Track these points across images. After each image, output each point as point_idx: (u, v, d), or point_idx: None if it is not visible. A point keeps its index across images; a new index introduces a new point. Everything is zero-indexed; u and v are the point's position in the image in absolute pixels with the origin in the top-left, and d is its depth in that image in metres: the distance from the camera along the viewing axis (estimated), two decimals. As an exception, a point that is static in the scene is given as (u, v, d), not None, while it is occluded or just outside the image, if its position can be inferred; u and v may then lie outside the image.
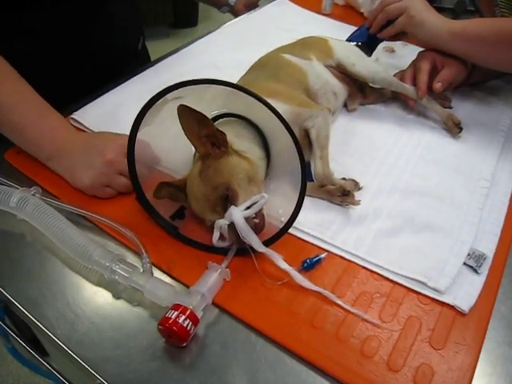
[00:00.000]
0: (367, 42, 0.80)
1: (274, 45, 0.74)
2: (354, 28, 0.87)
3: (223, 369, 0.41)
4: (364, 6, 1.08)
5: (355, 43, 0.79)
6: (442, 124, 0.69)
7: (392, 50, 0.90)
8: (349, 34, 0.83)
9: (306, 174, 0.49)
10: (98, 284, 0.48)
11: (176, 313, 0.40)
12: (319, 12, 1.08)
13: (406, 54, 0.86)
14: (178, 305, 0.41)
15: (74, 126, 0.66)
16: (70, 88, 0.70)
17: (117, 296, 0.47)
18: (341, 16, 1.07)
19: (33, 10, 0.69)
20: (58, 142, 0.59)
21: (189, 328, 0.40)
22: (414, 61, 0.73)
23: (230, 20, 1.05)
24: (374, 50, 0.81)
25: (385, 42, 0.83)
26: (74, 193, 0.57)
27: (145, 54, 0.99)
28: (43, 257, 0.52)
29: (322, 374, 0.40)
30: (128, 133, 0.49)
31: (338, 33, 0.83)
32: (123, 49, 0.88)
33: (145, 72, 0.80)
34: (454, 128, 0.67)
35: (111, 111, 0.70)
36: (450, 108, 0.74)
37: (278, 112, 0.45)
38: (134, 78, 0.79)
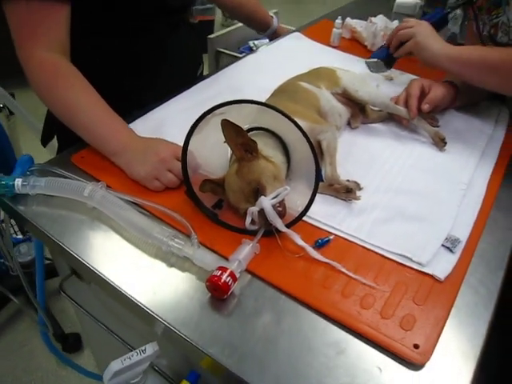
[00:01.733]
0: (386, 59, 0.96)
1: (290, 73, 0.90)
2: (359, 58, 1.03)
3: (255, 316, 0.54)
4: (367, 39, 1.24)
5: (376, 59, 0.96)
6: (430, 139, 0.84)
7: (391, 78, 1.05)
8: (353, 64, 0.98)
9: (319, 178, 0.64)
10: (155, 256, 0.62)
11: (220, 272, 0.54)
12: (328, 44, 1.24)
13: (402, 81, 1.01)
14: (222, 267, 0.55)
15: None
16: (129, 102, 0.85)
17: (170, 265, 0.61)
18: (347, 48, 1.23)
19: (118, 37, 0.87)
20: (122, 141, 0.75)
21: (230, 283, 0.54)
22: (406, 87, 0.88)
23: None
24: (392, 64, 0.98)
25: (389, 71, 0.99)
26: (128, 188, 0.71)
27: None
28: (110, 236, 0.65)
29: (329, 320, 0.53)
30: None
31: (344, 63, 0.99)
32: (186, 74, 1.05)
33: (182, 93, 0.96)
34: (439, 142, 0.81)
35: (156, 124, 0.85)
36: (438, 127, 0.88)
37: (300, 126, 0.60)
38: (176, 97, 0.95)
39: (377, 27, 1.19)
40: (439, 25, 0.92)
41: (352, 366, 0.49)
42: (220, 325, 0.53)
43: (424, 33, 0.87)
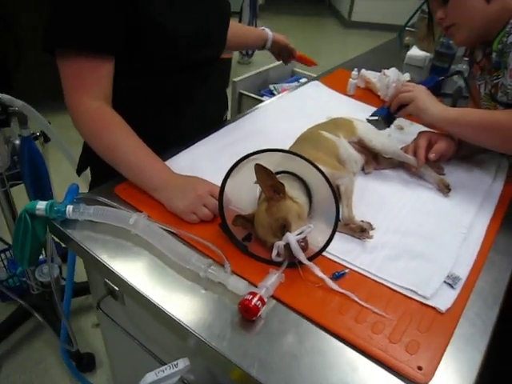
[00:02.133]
0: (386, 117, 1.05)
1: (311, 119, 1.01)
2: (372, 107, 1.13)
3: (280, 336, 0.62)
4: (381, 90, 1.36)
5: (377, 117, 1.05)
6: (436, 186, 0.93)
7: (401, 128, 1.15)
8: (367, 112, 1.09)
9: (338, 220, 0.74)
10: (193, 280, 0.70)
11: (251, 296, 0.62)
12: (344, 93, 1.36)
13: (412, 131, 1.11)
14: (253, 292, 0.63)
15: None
16: (158, 143, 0.94)
17: (205, 289, 0.69)
18: (361, 97, 1.35)
19: (159, 76, 0.99)
20: (163, 179, 0.86)
21: (259, 306, 0.62)
22: (415, 139, 0.98)
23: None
24: (392, 123, 1.07)
25: (398, 119, 1.09)
26: (166, 219, 0.80)
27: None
28: (151, 261, 0.74)
29: (344, 342, 0.61)
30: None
31: (358, 110, 1.10)
32: (214, 118, 1.17)
33: (211, 135, 1.07)
34: (444, 189, 0.91)
35: (188, 165, 0.95)
36: (443, 175, 0.98)
37: (323, 172, 0.70)
38: (204, 139, 1.05)
39: (389, 79, 1.31)
40: (434, 90, 1.03)
41: (364, 383, 0.57)
42: (249, 342, 0.61)
43: (423, 97, 0.97)
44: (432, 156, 0.94)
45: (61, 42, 0.88)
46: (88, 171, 1.17)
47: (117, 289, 0.81)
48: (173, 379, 0.71)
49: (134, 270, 0.73)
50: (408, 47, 1.74)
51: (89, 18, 0.87)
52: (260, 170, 0.71)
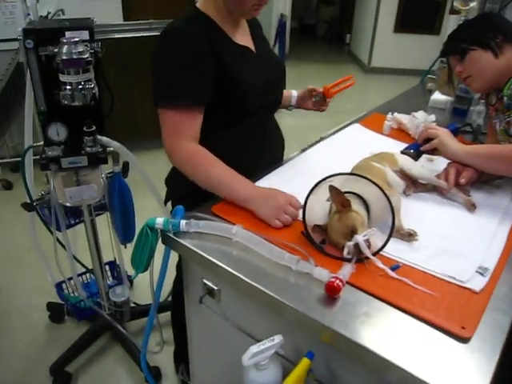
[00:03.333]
0: (416, 151, 1.30)
1: (356, 154, 1.26)
2: (404, 143, 1.39)
3: (355, 307, 0.85)
4: (411, 129, 1.61)
5: (410, 151, 1.30)
6: (464, 204, 1.16)
7: (431, 160, 1.40)
8: (400, 147, 1.34)
9: (394, 226, 0.97)
10: (284, 273, 0.94)
11: (334, 279, 0.85)
12: (381, 132, 1.62)
13: (440, 163, 1.35)
14: (335, 276, 0.87)
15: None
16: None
17: (294, 278, 0.93)
18: (395, 136, 1.60)
19: (230, 130, 1.29)
20: (250, 191, 1.13)
21: (340, 286, 0.85)
22: (445, 168, 1.22)
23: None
24: (420, 156, 1.31)
25: (426, 155, 1.34)
26: (255, 229, 1.05)
27: None
28: (247, 260, 0.98)
29: (403, 311, 0.83)
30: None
31: (393, 146, 1.35)
32: (277, 156, 1.45)
33: (279, 168, 1.33)
34: (471, 207, 1.14)
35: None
36: (469, 196, 1.21)
37: (382, 189, 0.94)
38: (273, 172, 1.32)
39: (418, 121, 1.57)
40: (452, 133, 1.28)
41: (421, 339, 0.79)
42: (334, 312, 0.84)
43: (446, 135, 1.23)
44: (463, 181, 1.17)
45: (169, 99, 1.17)
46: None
47: (216, 288, 1.05)
48: (270, 351, 0.93)
49: (235, 267, 0.96)
50: (430, 92, 2.01)
51: (189, 78, 1.17)
52: (333, 189, 0.95)
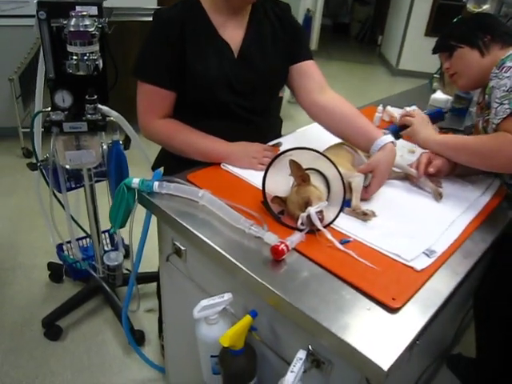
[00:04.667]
0: (394, 133, 1.33)
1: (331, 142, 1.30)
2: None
3: (298, 273, 0.89)
4: (402, 123, 1.64)
5: (388, 131, 1.32)
6: (432, 193, 1.19)
7: (413, 151, 1.42)
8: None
9: (345, 203, 1.01)
10: (240, 236, 0.99)
11: (279, 243, 0.90)
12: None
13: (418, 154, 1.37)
14: (281, 241, 0.92)
15: (224, 169, 1.25)
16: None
17: (248, 241, 0.98)
18: (384, 127, 1.63)
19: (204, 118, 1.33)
20: (228, 150, 1.25)
21: (285, 250, 0.90)
22: (418, 157, 1.25)
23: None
24: (398, 138, 1.33)
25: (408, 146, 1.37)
26: (223, 195, 1.10)
27: None
28: (211, 223, 1.04)
29: (341, 279, 0.88)
30: (251, 175, 1.05)
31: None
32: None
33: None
34: (437, 196, 1.17)
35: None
36: (441, 187, 1.23)
37: (339, 170, 0.99)
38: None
39: (409, 115, 1.59)
40: (435, 118, 1.30)
41: (353, 306, 0.83)
42: (277, 275, 0.89)
43: (419, 122, 1.25)
44: (431, 170, 1.20)
45: (140, 75, 1.26)
46: (161, 169, 1.52)
47: (183, 248, 1.12)
48: (219, 307, 0.99)
49: (199, 229, 1.02)
50: (435, 91, 2.01)
51: (153, 61, 1.25)
52: (293, 163, 1.00)
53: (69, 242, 2.08)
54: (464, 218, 1.11)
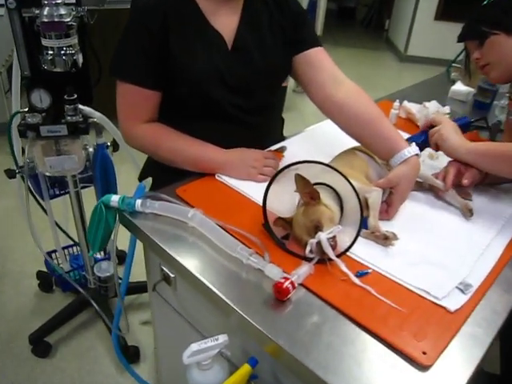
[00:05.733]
0: (420, 144, 1.13)
1: (342, 146, 1.12)
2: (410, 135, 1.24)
3: (306, 317, 0.73)
4: (420, 120, 1.46)
5: (411, 142, 1.14)
6: (460, 209, 1.02)
7: (436, 157, 1.24)
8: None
9: (363, 224, 0.85)
10: (237, 267, 0.83)
11: (284, 279, 0.74)
12: (386, 122, 1.47)
13: (444, 160, 1.20)
14: (285, 277, 0.76)
15: (219, 181, 1.08)
16: None
17: (247, 274, 0.82)
18: (401, 126, 1.45)
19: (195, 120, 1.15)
20: (223, 159, 1.08)
21: (290, 289, 0.74)
22: (445, 166, 1.08)
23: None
24: (423, 149, 1.15)
25: (429, 150, 1.19)
26: (217, 216, 0.94)
27: None
28: (202, 248, 0.88)
29: (361, 327, 0.72)
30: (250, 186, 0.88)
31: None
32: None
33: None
34: (467, 212, 0.99)
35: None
36: (471, 200, 1.06)
37: (353, 186, 0.82)
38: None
39: (429, 111, 1.41)
40: (462, 128, 1.11)
41: (373, 360, 0.67)
42: (280, 320, 0.73)
43: (448, 128, 1.07)
44: (465, 182, 1.02)
45: (117, 74, 1.09)
46: (149, 180, 1.35)
47: (172, 275, 0.96)
48: (213, 351, 0.84)
49: (188, 257, 0.87)
50: (454, 82, 1.83)
51: (132, 56, 1.06)
52: (299, 178, 0.83)
53: (55, 252, 1.94)
54: (500, 239, 0.94)
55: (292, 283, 0.75)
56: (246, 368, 0.79)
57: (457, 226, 0.97)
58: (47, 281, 2.14)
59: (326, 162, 1.04)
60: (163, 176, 1.10)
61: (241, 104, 1.14)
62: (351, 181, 0.87)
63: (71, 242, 2.08)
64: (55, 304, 2.04)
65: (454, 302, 0.76)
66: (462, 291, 0.79)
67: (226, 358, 0.88)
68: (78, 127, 1.40)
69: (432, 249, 0.89)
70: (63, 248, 2.08)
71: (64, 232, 1.99)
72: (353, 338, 0.71)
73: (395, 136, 1.02)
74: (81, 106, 1.41)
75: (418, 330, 0.71)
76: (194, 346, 0.82)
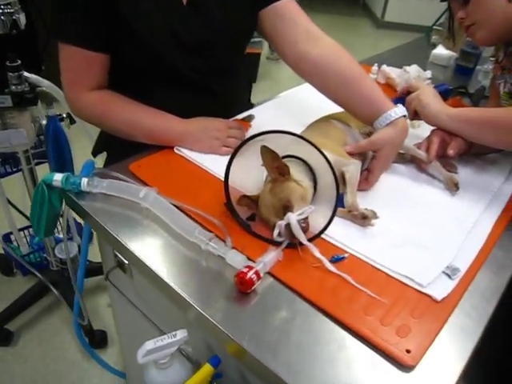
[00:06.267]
0: None
1: (327, 109, 1.01)
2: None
3: (273, 312, 0.64)
4: (400, 86, 1.35)
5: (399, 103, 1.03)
6: (445, 183, 0.92)
7: (418, 126, 1.14)
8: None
9: (339, 201, 0.75)
10: (195, 253, 0.73)
11: (247, 269, 0.64)
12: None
13: (424, 128, 1.10)
14: (249, 265, 0.65)
15: (178, 154, 0.96)
16: None
17: (206, 261, 0.72)
18: (381, 92, 1.34)
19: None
20: (182, 129, 0.96)
21: (254, 280, 0.64)
22: (428, 135, 0.98)
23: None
24: None
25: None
26: (175, 195, 0.83)
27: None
28: (157, 233, 0.77)
29: (336, 321, 0.62)
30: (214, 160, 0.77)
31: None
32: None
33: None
34: (452, 187, 0.90)
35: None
36: (456, 173, 0.97)
37: (327, 157, 0.71)
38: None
39: (409, 76, 1.30)
40: (442, 96, 1.00)
41: (350, 361, 0.58)
42: (243, 315, 0.63)
43: (428, 93, 0.97)
44: (451, 152, 0.92)
45: (59, 35, 0.93)
46: (105, 154, 1.22)
47: (126, 262, 0.85)
48: (171, 349, 0.74)
49: (141, 243, 0.76)
50: (435, 46, 1.72)
51: (80, 17, 0.91)
52: (266, 151, 0.72)
53: (20, 230, 1.80)
54: (488, 215, 0.85)
55: (257, 273, 0.65)
56: (207, 368, 0.70)
57: (442, 202, 0.88)
58: (7, 263, 2.00)
59: (298, 132, 0.93)
60: (119, 150, 0.97)
61: (200, 67, 1.00)
62: (326, 153, 0.76)
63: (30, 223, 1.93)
64: (17, 288, 1.92)
65: (441, 289, 0.68)
66: (448, 276, 0.70)
67: (186, 356, 0.79)
68: (24, 97, 1.26)
69: (415, 228, 0.79)
70: (23, 229, 1.95)
71: (20, 212, 1.84)
72: (327, 335, 0.61)
73: (380, 96, 0.90)
74: (26, 74, 1.26)
75: (401, 325, 0.62)
76: (149, 345, 0.72)
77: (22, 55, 1.22)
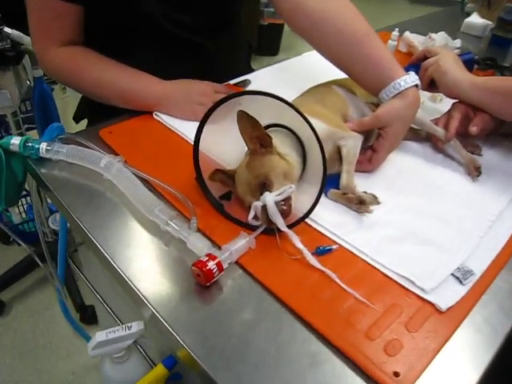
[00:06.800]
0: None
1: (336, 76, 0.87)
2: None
3: (235, 311, 0.52)
4: (424, 56, 1.19)
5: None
6: (465, 166, 0.78)
7: (437, 99, 0.99)
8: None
9: (334, 182, 0.62)
10: (154, 234, 0.62)
11: (207, 258, 0.53)
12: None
13: (448, 103, 0.95)
14: (210, 254, 0.54)
15: (156, 120, 0.84)
16: None
17: (166, 245, 0.60)
18: (401, 61, 1.16)
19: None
20: (161, 91, 0.83)
21: (214, 272, 0.52)
22: (448, 110, 0.83)
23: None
24: None
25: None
26: (143, 167, 0.71)
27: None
28: (117, 209, 0.66)
29: (311, 330, 0.50)
30: (196, 128, 0.64)
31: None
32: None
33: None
34: (473, 171, 0.75)
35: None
36: (480, 155, 0.82)
37: (312, 125, 0.58)
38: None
39: (435, 43, 1.14)
40: (465, 66, 0.85)
41: (323, 382, 0.46)
42: (197, 313, 0.52)
43: (448, 59, 0.81)
44: (474, 129, 0.78)
45: None
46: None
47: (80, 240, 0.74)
48: (126, 342, 0.64)
49: (96, 219, 0.65)
50: (469, 15, 1.53)
51: None
52: (243, 117, 0.59)
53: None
54: (514, 208, 0.71)
55: (219, 264, 0.53)
56: (159, 369, 0.60)
57: (458, 189, 0.73)
58: (4, 232, 1.94)
59: (294, 97, 0.80)
60: (99, 116, 0.86)
61: (187, 21, 0.87)
62: (320, 123, 0.63)
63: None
64: (13, 256, 1.87)
65: (447, 296, 0.54)
66: (459, 280, 0.57)
67: (144, 352, 0.69)
68: (6, 55, 1.16)
69: (424, 220, 0.66)
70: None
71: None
72: (297, 347, 0.49)
73: (388, 60, 0.75)
74: (8, 30, 1.15)
75: (392, 339, 0.49)
76: (100, 336, 0.63)
77: (3, 9, 1.12)
